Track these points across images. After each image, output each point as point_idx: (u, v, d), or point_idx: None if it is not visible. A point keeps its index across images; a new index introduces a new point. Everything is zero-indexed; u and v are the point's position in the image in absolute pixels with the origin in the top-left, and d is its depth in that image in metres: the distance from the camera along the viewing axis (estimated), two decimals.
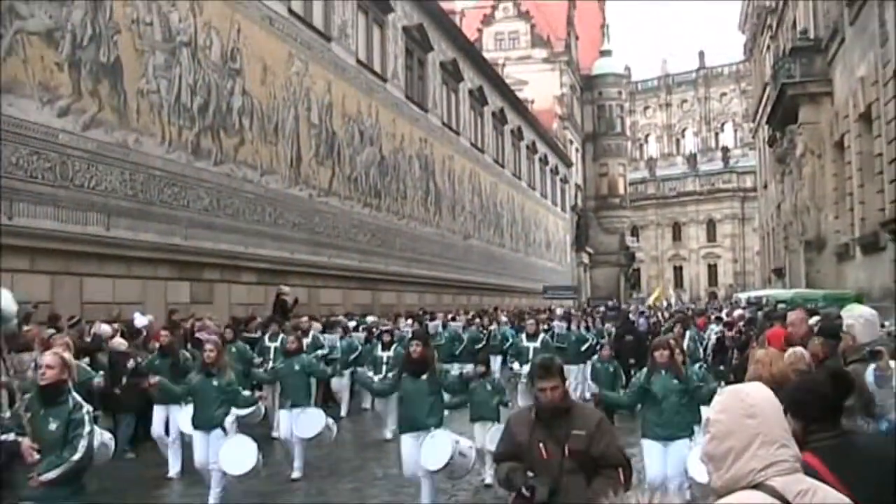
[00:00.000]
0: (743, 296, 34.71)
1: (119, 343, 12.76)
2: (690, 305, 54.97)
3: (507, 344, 20.35)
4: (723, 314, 24.12)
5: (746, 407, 2.83)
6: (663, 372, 8.71)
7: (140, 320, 14.20)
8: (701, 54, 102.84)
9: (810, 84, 28.01)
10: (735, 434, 2.79)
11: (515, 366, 14.72)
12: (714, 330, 18.83)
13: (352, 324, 21.45)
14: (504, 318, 28.63)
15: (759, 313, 17.74)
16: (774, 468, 2.75)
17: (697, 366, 10.36)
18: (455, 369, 15.90)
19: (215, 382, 9.96)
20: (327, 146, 25.32)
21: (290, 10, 23.28)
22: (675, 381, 8.69)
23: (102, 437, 9.10)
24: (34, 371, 11.09)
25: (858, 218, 22.78)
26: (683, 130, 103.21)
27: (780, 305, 19.05)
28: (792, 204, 33.47)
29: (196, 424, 10.19)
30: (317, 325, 18.58)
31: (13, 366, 11.45)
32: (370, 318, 22.47)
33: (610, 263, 75.89)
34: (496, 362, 20.90)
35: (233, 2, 20.39)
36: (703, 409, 8.43)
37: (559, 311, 29.51)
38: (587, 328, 21.15)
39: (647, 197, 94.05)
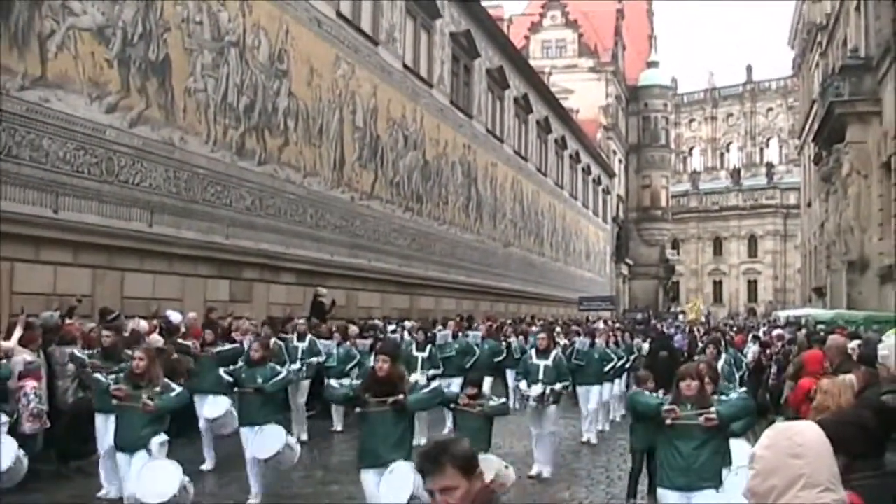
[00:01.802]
0: (783, 314, 34.38)
1: (156, 340, 12.84)
2: (728, 321, 54.47)
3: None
4: (760, 333, 23.84)
5: (793, 446, 2.76)
6: (689, 406, 7.26)
7: (174, 317, 14.30)
8: (748, 68, 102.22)
9: (859, 103, 27.70)
10: (779, 473, 2.73)
11: (522, 385, 12.80)
12: (752, 350, 18.62)
13: (390, 327, 21.49)
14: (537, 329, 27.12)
15: (800, 334, 17.46)
16: None
17: (734, 394, 8.94)
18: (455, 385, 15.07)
19: (145, 396, 8.49)
20: (371, 150, 25.36)
21: (339, 13, 23.36)
22: (701, 419, 7.20)
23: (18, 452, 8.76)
24: (73, 364, 11.29)
25: None
26: (728, 144, 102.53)
27: (820, 326, 18.85)
28: (836, 223, 33.11)
29: (119, 445, 8.82)
30: (353, 329, 18.57)
31: (56, 358, 11.62)
32: (408, 324, 22.38)
33: (649, 276, 75.51)
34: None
35: (282, 3, 20.49)
36: (735, 443, 7.59)
37: (600, 325, 28.29)
38: (616, 343, 18.89)
39: (689, 210, 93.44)
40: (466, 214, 34.37)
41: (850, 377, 6.82)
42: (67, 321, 11.88)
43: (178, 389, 8.83)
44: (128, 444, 8.64)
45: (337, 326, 17.67)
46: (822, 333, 14.40)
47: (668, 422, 7.19)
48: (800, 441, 2.79)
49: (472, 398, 9.63)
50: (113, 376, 9.19)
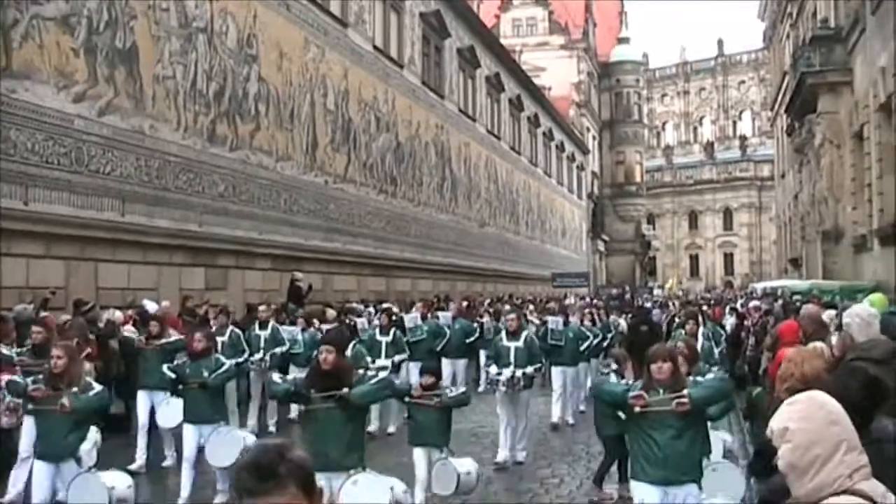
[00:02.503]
0: (759, 286, 34.57)
1: (130, 331, 12.76)
2: (706, 294, 54.66)
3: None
4: (738, 305, 23.91)
5: (827, 414, 2.84)
6: (661, 391, 6.51)
7: (150, 307, 14.20)
8: (720, 42, 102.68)
9: (830, 73, 27.76)
10: (821, 442, 2.78)
11: (492, 370, 11.97)
12: (729, 322, 18.68)
13: (371, 310, 21.36)
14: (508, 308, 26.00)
15: (776, 305, 17.51)
16: (859, 473, 2.78)
17: (710, 374, 8.18)
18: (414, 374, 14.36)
19: (65, 401, 7.51)
20: (343, 132, 25.27)
21: None
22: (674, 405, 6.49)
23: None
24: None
25: (877, 209, 22.59)
26: (701, 118, 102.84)
27: (796, 297, 18.95)
28: (809, 194, 33.29)
29: (40, 453, 7.86)
30: (331, 312, 18.52)
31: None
32: (385, 306, 22.26)
33: (625, 251, 75.77)
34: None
35: None
36: (714, 435, 7.06)
37: (572, 301, 28.02)
38: (592, 321, 17.99)
39: (664, 185, 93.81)
40: (441, 195, 34.33)
41: (817, 345, 6.85)
42: (42, 313, 11.78)
43: (98, 388, 7.93)
44: (50, 452, 7.70)
45: (305, 312, 17.01)
46: (797, 304, 14.47)
47: (637, 409, 6.49)
48: (831, 408, 2.88)
49: (429, 388, 8.84)
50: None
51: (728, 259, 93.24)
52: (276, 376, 9.11)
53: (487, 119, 42.00)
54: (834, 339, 7.28)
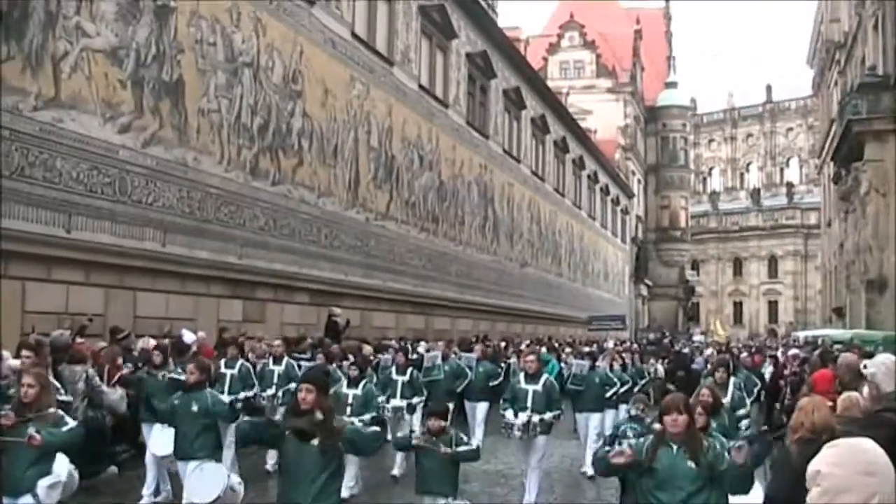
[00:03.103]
0: (801, 334, 34.15)
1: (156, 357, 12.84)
2: (748, 342, 53.95)
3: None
4: (777, 353, 23.58)
5: (865, 463, 2.68)
6: (674, 447, 5.89)
7: (188, 336, 14.28)
8: (768, 88, 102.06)
9: (876, 121, 27.58)
10: (852, 491, 2.63)
11: (508, 414, 11.21)
12: (768, 370, 18.42)
13: (425, 347, 21.24)
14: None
15: (814, 353, 17.26)
16: None
17: (742, 422, 7.70)
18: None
19: (32, 430, 6.91)
20: (386, 170, 25.40)
21: (353, 34, 23.45)
22: (691, 465, 5.85)
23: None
24: (84, 383, 11.34)
25: None
26: (748, 164, 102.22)
27: (837, 346, 18.67)
28: (854, 242, 32.94)
29: (3, 487, 7.21)
30: (367, 349, 18.48)
31: (66, 377, 11.64)
32: (423, 344, 22.12)
33: (668, 297, 75.19)
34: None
35: (296, 24, 20.58)
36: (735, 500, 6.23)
37: (610, 345, 27.35)
38: (623, 366, 17.29)
39: (709, 231, 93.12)
40: (483, 235, 34.33)
41: (852, 395, 6.72)
42: (78, 340, 11.88)
43: (71, 424, 7.38)
44: (10, 485, 7.09)
45: (326, 349, 16.31)
46: (835, 353, 14.26)
47: (621, 461, 5.88)
48: (870, 458, 2.72)
49: (437, 433, 8.11)
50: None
51: (772, 307, 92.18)
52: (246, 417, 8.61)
53: (532, 160, 42.01)
54: (865, 389, 7.13)
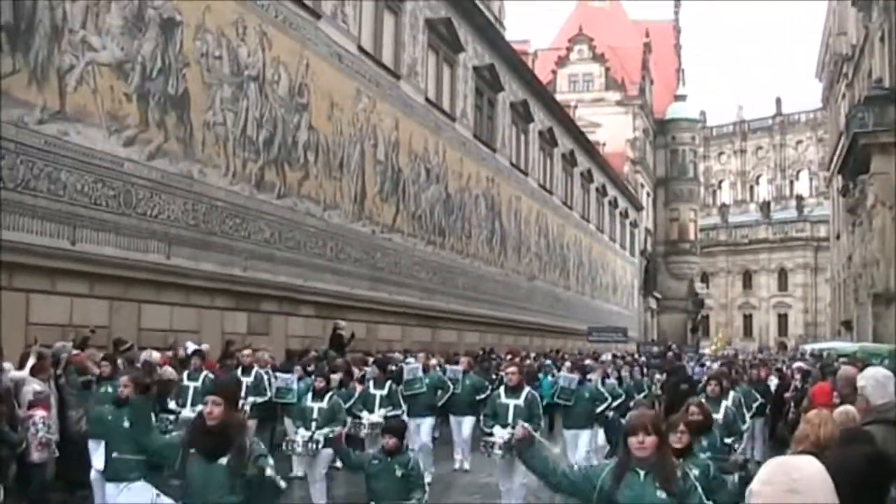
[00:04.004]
0: (808, 347, 34.07)
1: (168, 371, 12.89)
2: (758, 355, 53.60)
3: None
4: (783, 367, 23.48)
5: (790, 481, 2.65)
6: (642, 473, 4.97)
7: (192, 349, 14.32)
8: (778, 101, 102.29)
9: (882, 134, 27.54)
10: None
11: (496, 431, 10.44)
12: (773, 384, 18.33)
13: (411, 360, 21.23)
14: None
15: (816, 367, 17.22)
16: None
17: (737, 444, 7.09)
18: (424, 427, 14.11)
19: None
20: (392, 183, 25.45)
21: (360, 48, 23.53)
22: (661, 495, 4.92)
23: None
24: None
25: None
26: (758, 177, 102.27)
27: (842, 359, 18.62)
28: (862, 255, 32.86)
29: None
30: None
31: (67, 389, 11.71)
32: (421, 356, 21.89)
33: (678, 310, 74.97)
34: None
35: (302, 38, 20.67)
36: None
37: (606, 357, 26.86)
38: (619, 380, 16.60)
39: (719, 243, 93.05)
40: (490, 248, 34.36)
41: (848, 408, 6.72)
42: (73, 352, 11.93)
43: None
44: None
45: (303, 361, 16.10)
46: (835, 366, 14.21)
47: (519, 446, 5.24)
48: (796, 476, 2.68)
49: (390, 452, 7.50)
50: None
51: (782, 320, 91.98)
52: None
53: (539, 173, 42.05)
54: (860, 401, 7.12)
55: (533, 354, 29.53)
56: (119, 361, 11.52)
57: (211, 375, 12.22)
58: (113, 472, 8.14)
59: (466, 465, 15.08)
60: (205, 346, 15.13)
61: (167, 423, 10.76)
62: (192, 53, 16.87)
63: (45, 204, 13.39)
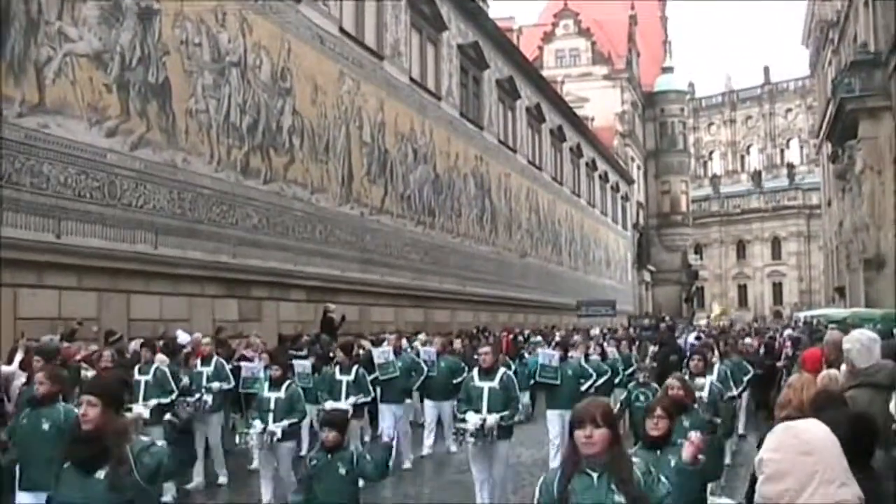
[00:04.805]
0: (802, 315, 34.14)
1: (161, 360, 12.87)
2: (754, 325, 53.53)
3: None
4: (770, 336, 23.35)
5: (802, 443, 2.66)
6: (594, 475, 4.08)
7: (182, 337, 14.31)
8: (766, 70, 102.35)
9: (869, 98, 27.54)
10: (792, 473, 2.61)
11: (469, 417, 9.62)
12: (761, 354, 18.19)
13: (404, 341, 21.10)
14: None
15: (805, 335, 17.21)
16: None
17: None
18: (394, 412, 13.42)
19: None
20: (379, 164, 25.39)
21: (342, 29, 23.43)
22: (620, 500, 4.04)
23: None
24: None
25: None
26: (748, 147, 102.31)
27: (832, 325, 18.61)
28: (852, 221, 32.88)
29: None
30: (365, 344, 18.35)
31: None
32: (421, 336, 21.88)
33: (672, 282, 75.13)
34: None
35: (283, 22, 20.57)
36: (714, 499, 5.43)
37: (594, 332, 26.58)
38: (601, 355, 15.73)
39: (711, 214, 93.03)
40: (481, 226, 34.34)
41: (831, 372, 6.74)
42: (64, 344, 11.91)
43: None
44: None
45: (274, 348, 15.47)
46: (823, 332, 14.22)
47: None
48: (807, 438, 2.70)
49: (331, 448, 6.78)
50: None
51: (777, 288, 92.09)
52: None
53: (528, 150, 42.00)
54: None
55: (527, 331, 29.59)
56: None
57: (164, 368, 11.59)
58: (31, 482, 6.87)
59: (454, 448, 14.12)
60: (196, 335, 15.11)
61: None
62: (171, 41, 16.77)
63: (29, 198, 13.34)
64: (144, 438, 4.85)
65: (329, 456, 6.72)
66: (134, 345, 13.17)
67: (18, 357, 11.04)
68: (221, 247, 17.91)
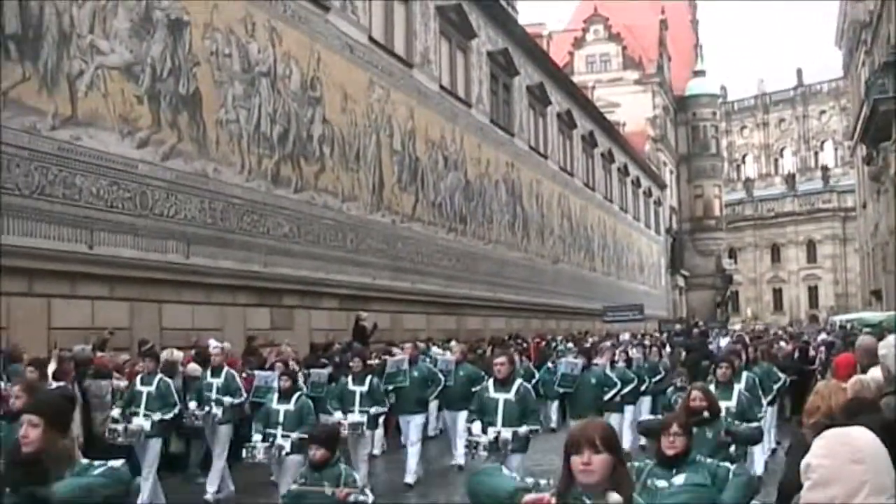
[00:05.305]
0: (838, 319, 33.81)
1: (193, 369, 12.95)
2: (789, 329, 52.88)
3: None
4: (804, 340, 22.99)
5: (853, 451, 2.59)
6: (587, 501, 3.27)
7: (212, 344, 14.37)
8: (799, 72, 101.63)
9: None
10: (840, 481, 2.56)
11: (474, 428, 9.37)
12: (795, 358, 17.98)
13: (435, 349, 21.01)
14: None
15: (839, 339, 16.99)
16: None
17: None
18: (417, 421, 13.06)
19: None
20: (410, 172, 25.43)
21: (371, 38, 23.50)
22: None
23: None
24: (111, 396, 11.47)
25: None
26: (782, 150, 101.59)
27: (865, 329, 18.43)
28: (887, 223, 32.52)
29: None
30: (397, 352, 18.18)
31: (92, 391, 11.80)
32: (453, 344, 21.66)
33: (706, 286, 74.67)
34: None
35: (312, 31, 20.66)
36: None
37: (624, 337, 26.18)
38: (627, 362, 15.27)
39: (745, 218, 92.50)
40: (512, 233, 34.29)
41: (864, 377, 6.64)
42: (99, 354, 12.01)
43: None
44: None
45: (282, 355, 14.72)
46: (858, 336, 14.04)
47: None
48: (859, 446, 2.63)
49: (318, 466, 6.47)
50: None
51: (812, 292, 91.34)
52: None
53: (559, 156, 41.90)
54: (876, 371, 7.01)
55: (559, 338, 29.46)
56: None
57: (167, 380, 11.28)
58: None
59: (462, 462, 13.45)
60: (226, 345, 15.15)
61: (115, 435, 10.42)
62: (201, 52, 16.90)
63: (62, 209, 13.48)
64: (84, 461, 4.29)
65: (317, 474, 6.44)
66: (166, 353, 13.23)
67: (51, 367, 11.15)
68: (252, 256, 18.00)
